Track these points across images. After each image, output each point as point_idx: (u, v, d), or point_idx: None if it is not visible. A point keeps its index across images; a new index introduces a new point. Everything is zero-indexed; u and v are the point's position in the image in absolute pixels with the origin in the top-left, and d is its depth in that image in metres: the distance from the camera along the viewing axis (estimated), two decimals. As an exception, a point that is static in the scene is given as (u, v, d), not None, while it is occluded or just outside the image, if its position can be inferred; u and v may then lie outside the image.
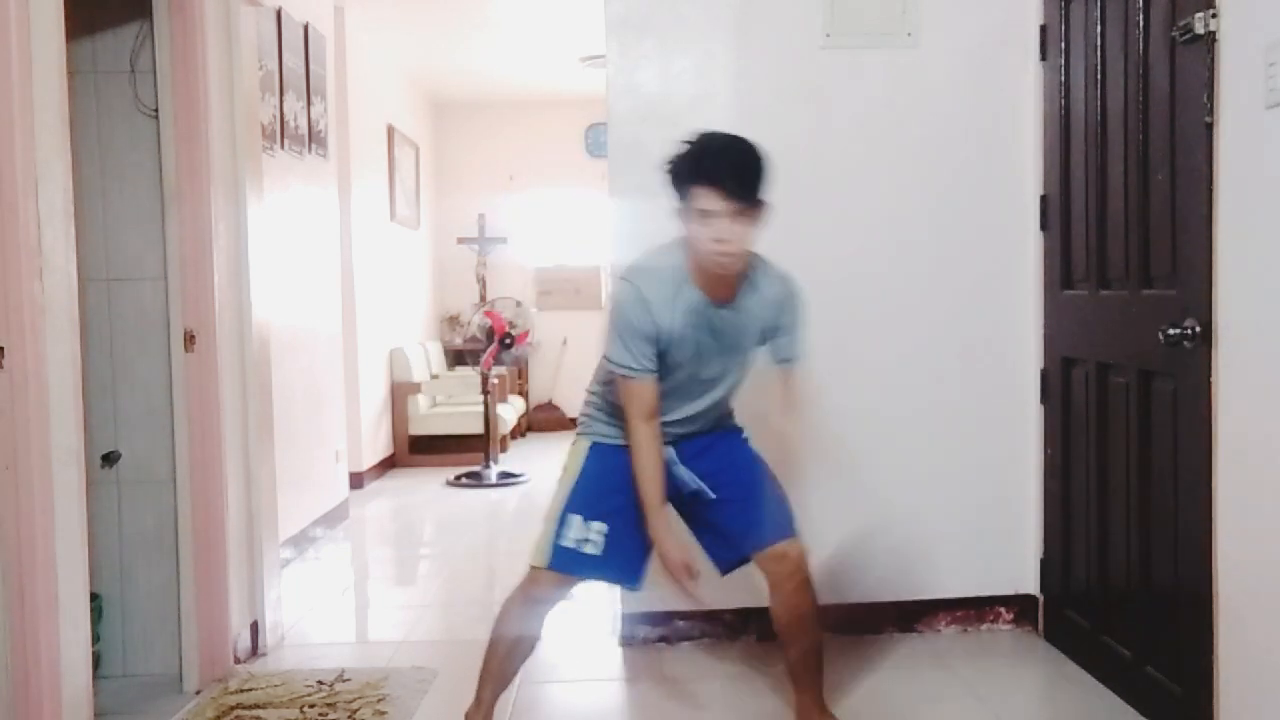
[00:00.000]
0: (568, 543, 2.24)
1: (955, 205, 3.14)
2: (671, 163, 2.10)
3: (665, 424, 2.24)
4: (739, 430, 2.43)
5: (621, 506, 2.25)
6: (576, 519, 2.25)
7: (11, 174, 2.00)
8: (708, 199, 2.02)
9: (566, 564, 2.25)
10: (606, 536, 2.24)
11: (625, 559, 2.28)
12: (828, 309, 3.12)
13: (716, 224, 2.03)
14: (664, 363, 2.17)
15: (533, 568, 2.28)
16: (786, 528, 2.29)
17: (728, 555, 2.35)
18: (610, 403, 2.29)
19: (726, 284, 2.16)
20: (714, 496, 2.30)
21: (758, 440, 2.43)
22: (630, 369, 2.13)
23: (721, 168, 2.03)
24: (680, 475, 2.28)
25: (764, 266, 2.23)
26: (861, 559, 3.16)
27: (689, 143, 2.10)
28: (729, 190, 2.02)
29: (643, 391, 2.15)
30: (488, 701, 2.34)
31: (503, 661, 2.33)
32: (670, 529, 2.21)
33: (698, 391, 2.26)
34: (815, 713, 2.34)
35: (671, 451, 2.28)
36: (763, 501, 2.31)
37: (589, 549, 2.24)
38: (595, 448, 2.32)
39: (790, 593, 2.29)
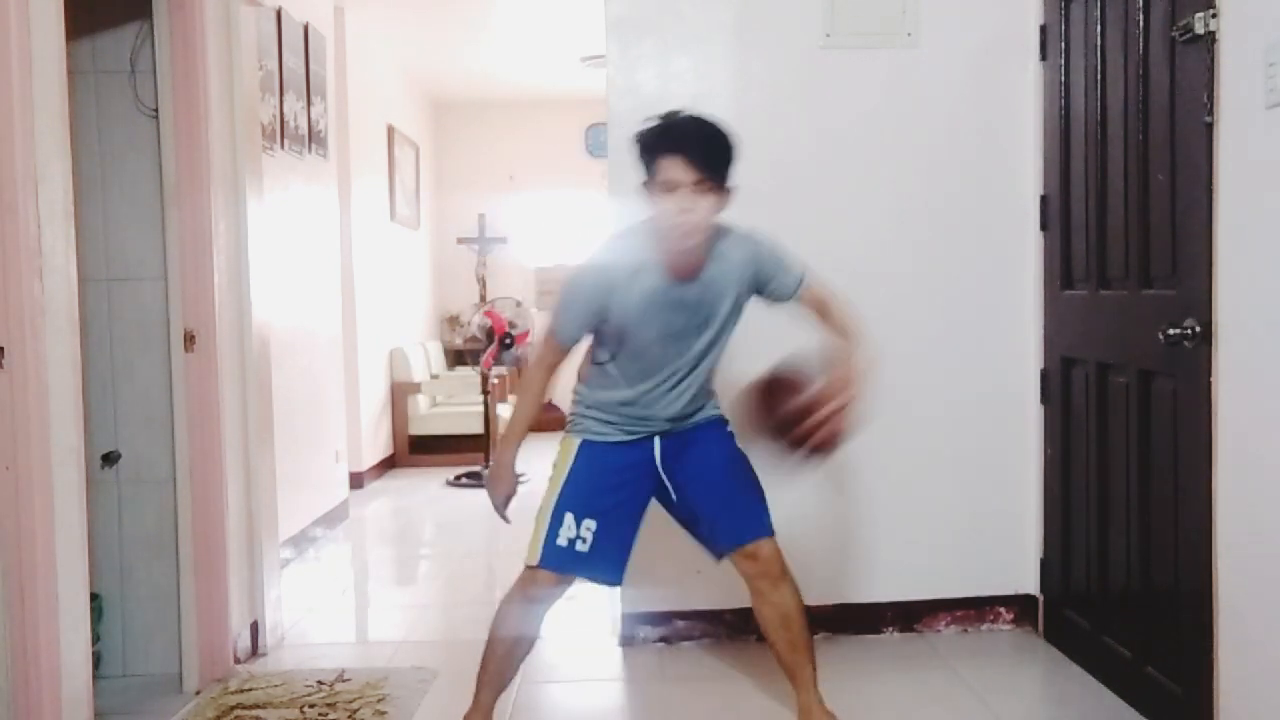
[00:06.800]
0: (561, 541, 2.24)
1: (955, 205, 3.14)
2: (640, 135, 2.12)
3: (643, 417, 2.27)
4: (722, 421, 2.40)
5: (612, 505, 2.27)
6: (569, 517, 2.25)
7: (11, 174, 2.00)
8: (673, 169, 2.05)
9: (559, 563, 2.25)
10: (595, 534, 2.25)
11: (610, 556, 2.30)
12: (828, 309, 3.14)
13: (681, 195, 2.05)
14: (631, 341, 2.19)
15: (528, 567, 2.28)
16: (758, 527, 2.29)
17: (713, 548, 2.38)
18: (599, 399, 2.30)
19: (690, 261, 2.15)
20: (674, 499, 2.34)
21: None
22: (558, 334, 2.23)
23: (689, 138, 2.07)
24: (655, 475, 2.32)
25: (727, 236, 2.22)
26: (861, 558, 3.16)
27: (659, 117, 2.13)
28: (695, 160, 2.04)
29: (556, 352, 2.26)
30: (486, 704, 2.33)
31: (501, 662, 2.33)
32: (507, 471, 2.30)
33: (684, 369, 2.24)
34: (816, 711, 2.34)
35: (656, 448, 2.30)
36: (734, 500, 2.31)
37: (580, 547, 2.24)
38: (586, 445, 2.32)
39: (765, 591, 2.31)
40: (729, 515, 2.31)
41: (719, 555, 2.37)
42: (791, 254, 2.30)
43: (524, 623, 2.32)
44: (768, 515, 2.32)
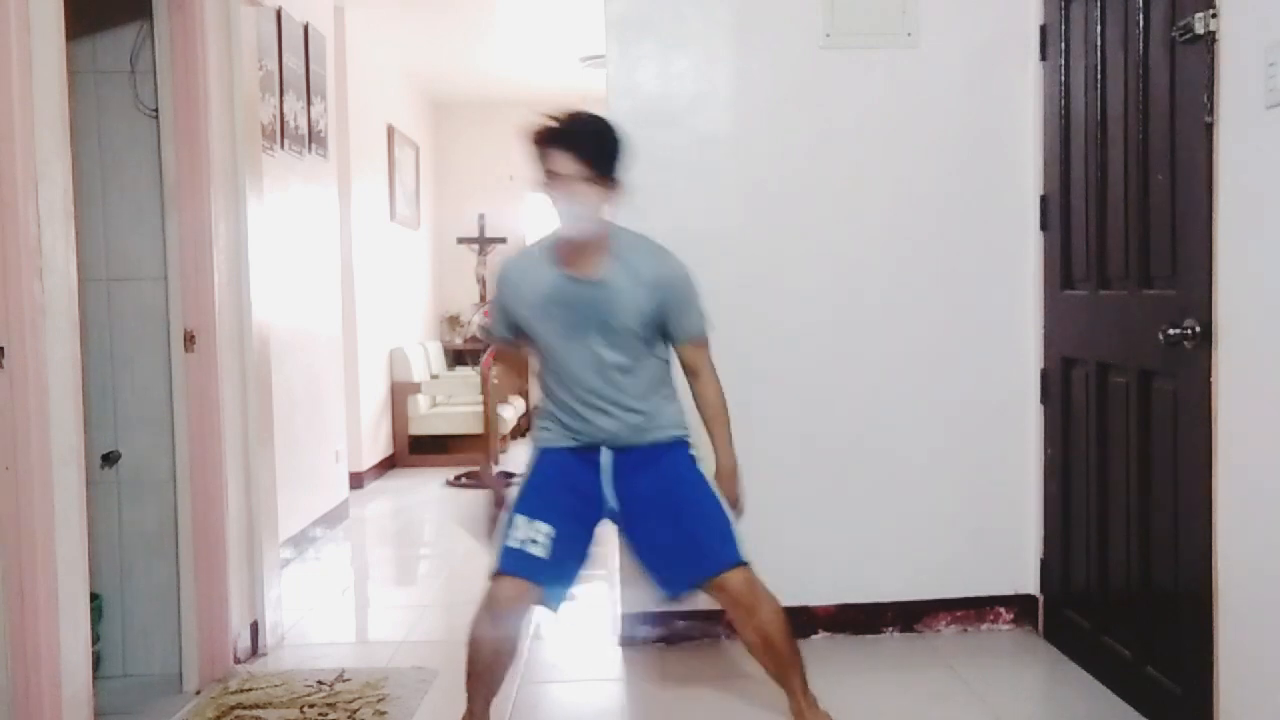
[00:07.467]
0: (514, 543, 2.23)
1: (955, 205, 3.14)
2: (534, 132, 2.21)
3: (578, 424, 2.28)
4: (684, 445, 2.35)
5: (563, 511, 2.26)
6: (520, 519, 2.25)
7: (11, 174, 2.00)
8: (560, 161, 2.15)
9: (513, 565, 2.22)
10: (553, 540, 2.23)
11: (564, 569, 2.27)
12: (827, 309, 3.14)
13: (566, 185, 2.15)
14: (539, 340, 2.28)
15: (489, 577, 2.27)
16: (721, 559, 2.23)
17: (672, 586, 2.30)
18: (551, 403, 2.33)
19: (588, 256, 2.23)
20: (624, 521, 2.32)
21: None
22: (489, 333, 2.46)
23: (574, 134, 2.17)
24: (603, 490, 2.30)
25: (632, 241, 2.29)
26: (862, 558, 3.16)
27: (553, 116, 2.21)
28: (579, 153, 2.14)
29: (496, 348, 2.54)
30: (480, 711, 2.31)
31: (483, 675, 2.29)
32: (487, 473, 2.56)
33: (600, 384, 2.24)
34: (807, 711, 2.33)
35: (608, 459, 2.29)
36: (693, 530, 2.27)
37: (535, 550, 2.22)
38: (539, 451, 2.36)
39: (740, 620, 2.29)
40: (689, 547, 2.26)
41: (675, 592, 2.30)
42: (705, 308, 2.34)
43: (495, 632, 2.26)
44: (733, 544, 2.24)
